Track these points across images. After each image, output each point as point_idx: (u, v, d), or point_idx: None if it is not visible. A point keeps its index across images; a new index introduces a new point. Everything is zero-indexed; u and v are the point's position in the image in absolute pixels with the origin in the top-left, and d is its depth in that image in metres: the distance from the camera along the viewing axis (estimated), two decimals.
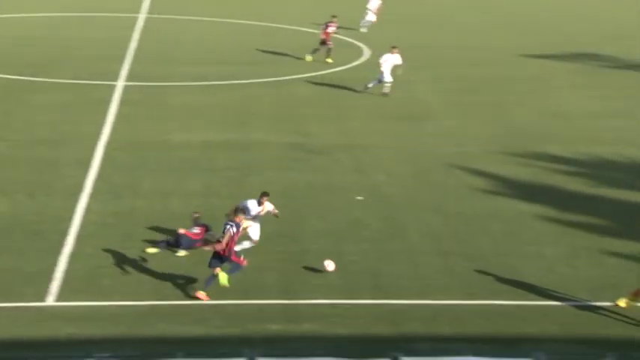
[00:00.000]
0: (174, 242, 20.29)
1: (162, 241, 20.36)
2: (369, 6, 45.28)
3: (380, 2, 45.50)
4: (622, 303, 17.77)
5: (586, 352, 15.45)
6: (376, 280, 19.19)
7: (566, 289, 18.86)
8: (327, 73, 37.10)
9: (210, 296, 18.22)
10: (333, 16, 38.88)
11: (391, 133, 29.69)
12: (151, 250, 20.24)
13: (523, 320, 17.75)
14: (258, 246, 20.68)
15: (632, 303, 17.64)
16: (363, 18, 45.29)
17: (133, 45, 41.38)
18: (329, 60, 38.18)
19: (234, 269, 18.33)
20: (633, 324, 17.54)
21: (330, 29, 38.35)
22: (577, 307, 18.27)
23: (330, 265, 19.23)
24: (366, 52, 41.01)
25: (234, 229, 18.05)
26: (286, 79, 36.14)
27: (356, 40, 43.12)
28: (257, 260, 20.08)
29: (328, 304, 18.22)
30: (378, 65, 33.42)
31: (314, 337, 16.93)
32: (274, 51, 40.77)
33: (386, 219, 22.61)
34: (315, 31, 41.78)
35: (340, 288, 18.91)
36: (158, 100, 33.00)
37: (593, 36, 45.25)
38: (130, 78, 35.64)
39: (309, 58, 38.39)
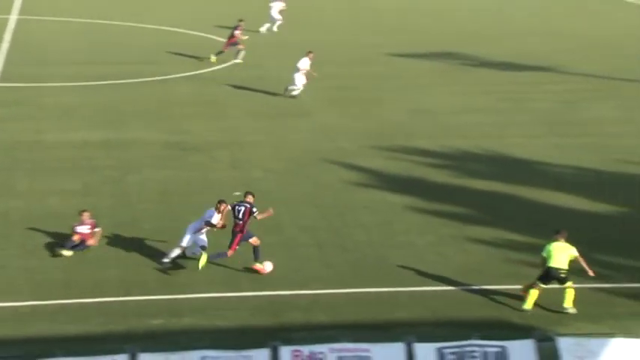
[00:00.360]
0: (79, 243, 19.66)
1: (68, 242, 19.70)
2: (272, 4, 45.68)
3: (283, 4, 46.05)
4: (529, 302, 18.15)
5: (454, 333, 15.93)
6: (255, 273, 19.26)
7: (435, 275, 19.43)
8: (204, 72, 36.90)
9: (93, 295, 17.96)
10: (240, 20, 38.81)
11: (268, 130, 29.80)
12: (67, 252, 19.57)
13: (395, 306, 18.19)
14: (137, 244, 20.44)
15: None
16: (273, 21, 45.53)
17: (5, 46, 40.01)
18: (213, 59, 37.85)
19: (216, 255, 19.12)
20: (495, 304, 18.23)
21: (237, 32, 38.28)
22: (445, 291, 18.85)
23: (267, 266, 19.24)
24: (242, 52, 40.92)
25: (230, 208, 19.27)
26: (164, 79, 35.72)
27: None
28: (137, 258, 19.85)
29: (209, 298, 18.20)
30: (295, 69, 33.29)
31: (195, 330, 16.88)
32: (151, 51, 40.22)
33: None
34: (194, 33, 41.35)
35: (220, 281, 18.91)
36: (33, 101, 32.05)
37: (452, 36, 46.58)
38: (2, 79, 34.46)
39: (238, 60, 38.42)
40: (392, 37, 45.70)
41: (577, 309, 17.90)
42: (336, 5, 53.67)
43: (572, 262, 17.83)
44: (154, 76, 35.83)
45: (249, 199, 19.56)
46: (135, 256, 19.80)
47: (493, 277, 19.30)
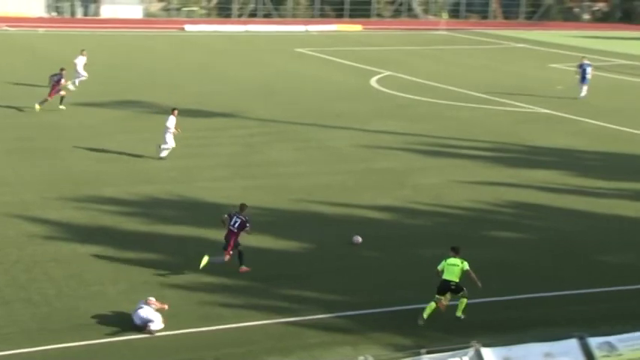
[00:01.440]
0: None
1: None
2: (77, 61, 44.58)
3: (85, 58, 45.00)
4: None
5: None
6: None
7: (129, 324, 18.64)
8: None
9: None
10: (62, 69, 38.70)
11: None
12: None
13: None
14: None
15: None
16: (77, 76, 44.24)
17: None
18: (37, 108, 37.76)
19: (216, 259, 20.91)
20: (192, 348, 17.89)
21: (62, 80, 38.46)
22: (139, 339, 18.13)
23: (357, 238, 23.54)
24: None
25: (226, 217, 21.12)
26: None
27: None
28: None
29: None
30: (165, 129, 31.47)
31: None
32: None
33: None
34: None
35: None
36: None
37: (136, 85, 46.15)
38: None
39: (37, 107, 37.84)
40: (80, 87, 44.34)
41: (266, 345, 17.99)
42: (51, 59, 51.09)
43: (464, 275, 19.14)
44: None
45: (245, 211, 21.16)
46: None
47: (188, 320, 18.94)
